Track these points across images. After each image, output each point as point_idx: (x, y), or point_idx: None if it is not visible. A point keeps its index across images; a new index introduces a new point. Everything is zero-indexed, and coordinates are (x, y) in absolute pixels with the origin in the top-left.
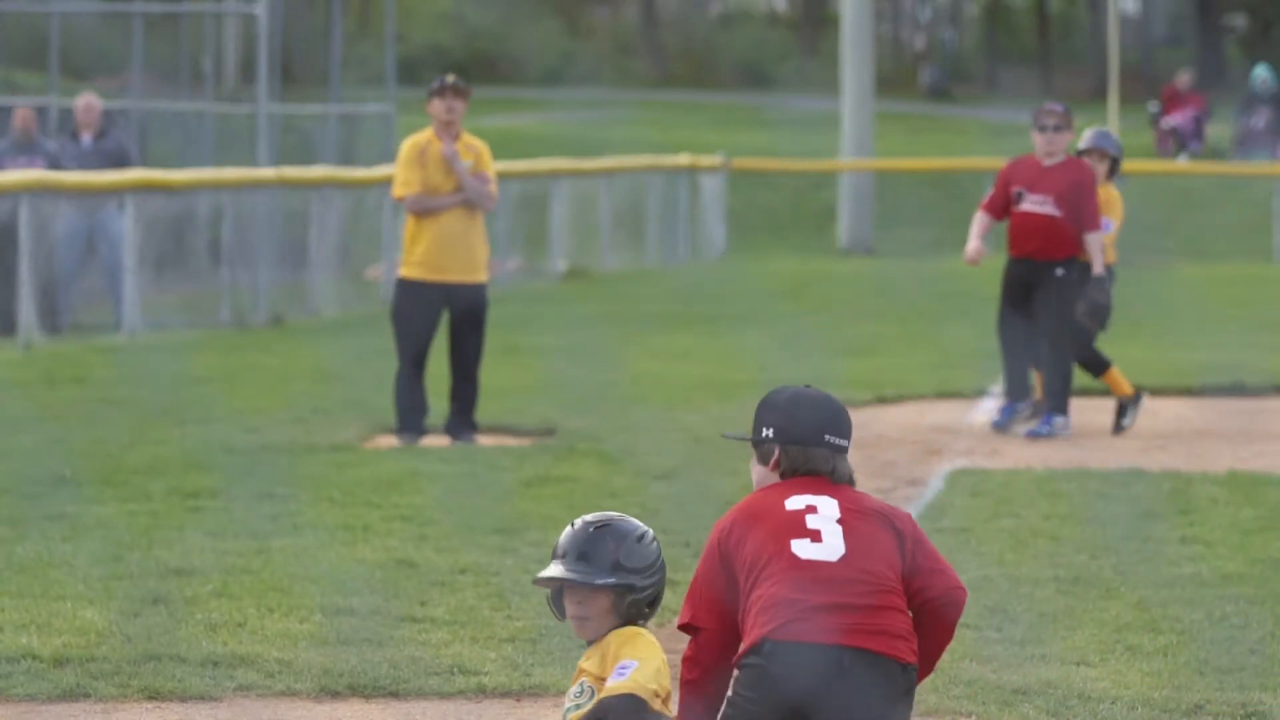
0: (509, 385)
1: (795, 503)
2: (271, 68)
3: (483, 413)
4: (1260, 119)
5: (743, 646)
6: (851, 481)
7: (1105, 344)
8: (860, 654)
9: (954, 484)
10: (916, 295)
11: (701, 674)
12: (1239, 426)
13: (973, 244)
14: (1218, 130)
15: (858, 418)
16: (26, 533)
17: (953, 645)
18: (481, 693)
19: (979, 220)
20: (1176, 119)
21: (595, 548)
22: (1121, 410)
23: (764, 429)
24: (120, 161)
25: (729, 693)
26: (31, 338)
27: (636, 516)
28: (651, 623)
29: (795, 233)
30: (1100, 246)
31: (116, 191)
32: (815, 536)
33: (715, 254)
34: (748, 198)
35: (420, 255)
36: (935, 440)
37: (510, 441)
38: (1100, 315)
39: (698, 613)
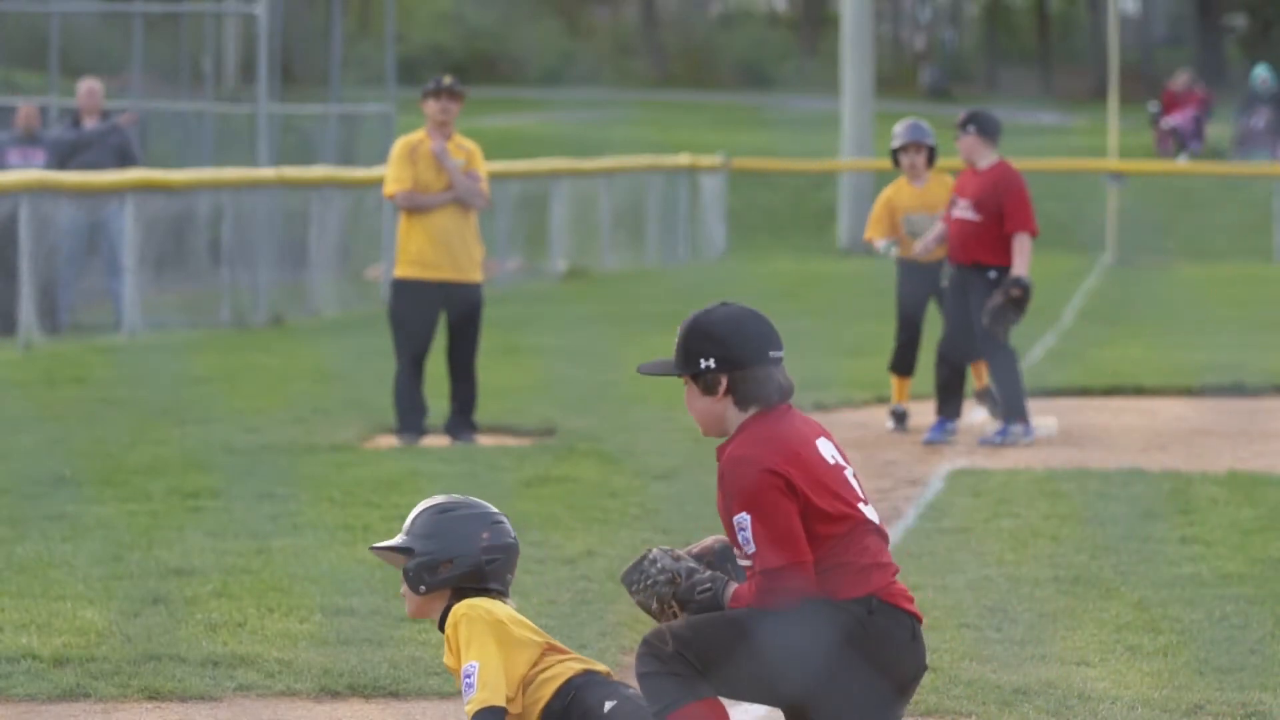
0: (509, 385)
1: (826, 453)
2: (271, 68)
3: (483, 413)
4: (1260, 119)
5: (838, 593)
6: (791, 392)
7: (1108, 343)
8: (918, 623)
9: (954, 484)
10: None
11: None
12: (1239, 426)
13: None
14: (1218, 130)
15: (857, 417)
16: (26, 533)
17: (953, 645)
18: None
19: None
20: (1176, 119)
21: (408, 521)
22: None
23: (702, 360)
24: (124, 153)
25: (815, 628)
26: (31, 338)
27: (636, 516)
28: None
29: (795, 233)
30: (1023, 250)
31: (117, 191)
32: (865, 499)
33: (715, 254)
34: (748, 198)
35: (414, 254)
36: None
37: (510, 441)
38: (1001, 320)
39: (800, 546)
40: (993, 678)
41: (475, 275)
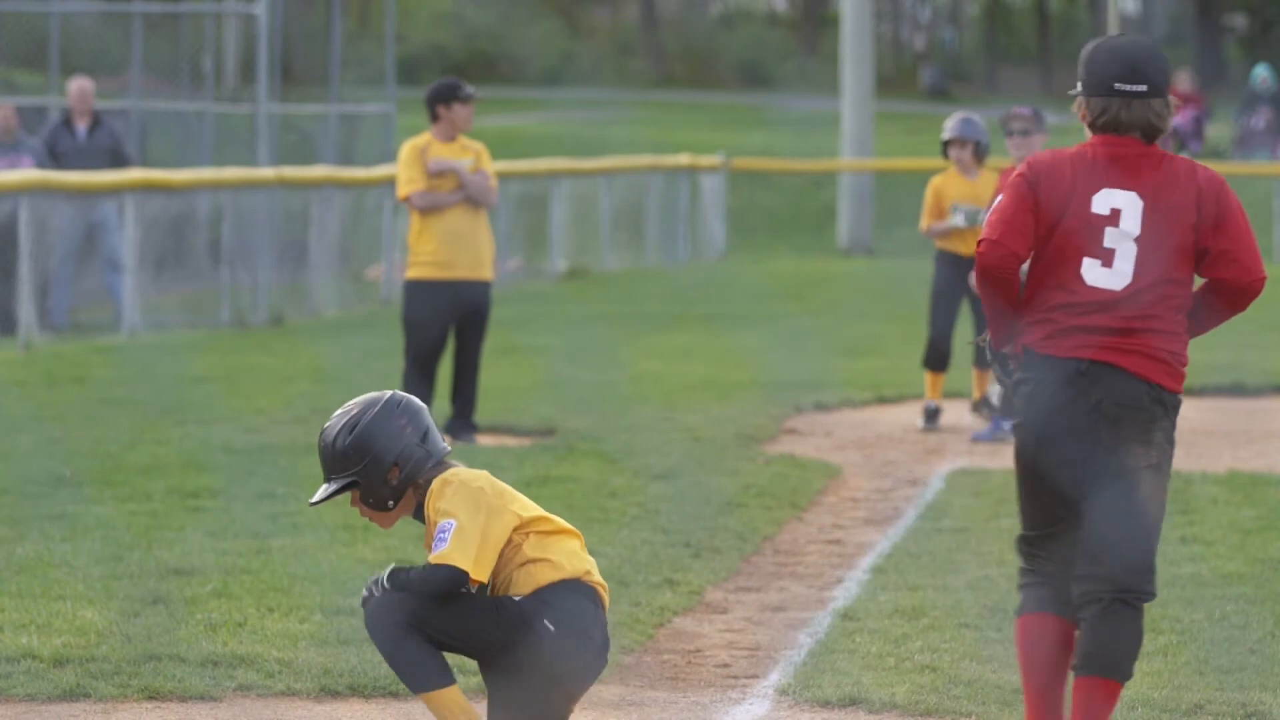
0: (509, 385)
1: (1100, 203)
2: (271, 68)
3: (483, 413)
4: (1260, 119)
5: (1017, 341)
6: (1158, 129)
7: None
8: (1103, 366)
9: (954, 484)
10: (916, 295)
11: (1009, 282)
12: (1239, 426)
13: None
14: (1218, 130)
15: (858, 417)
16: (26, 533)
17: (953, 645)
18: (481, 692)
19: None
20: (1176, 119)
21: (321, 461)
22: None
23: (1078, 83)
24: (116, 154)
25: (1017, 374)
26: (31, 338)
27: (636, 517)
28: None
29: (795, 233)
30: None
31: (116, 191)
32: (1107, 259)
33: (715, 254)
34: (748, 198)
35: (428, 254)
36: (935, 440)
37: (510, 441)
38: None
39: (1005, 230)
40: (993, 678)
41: (486, 273)
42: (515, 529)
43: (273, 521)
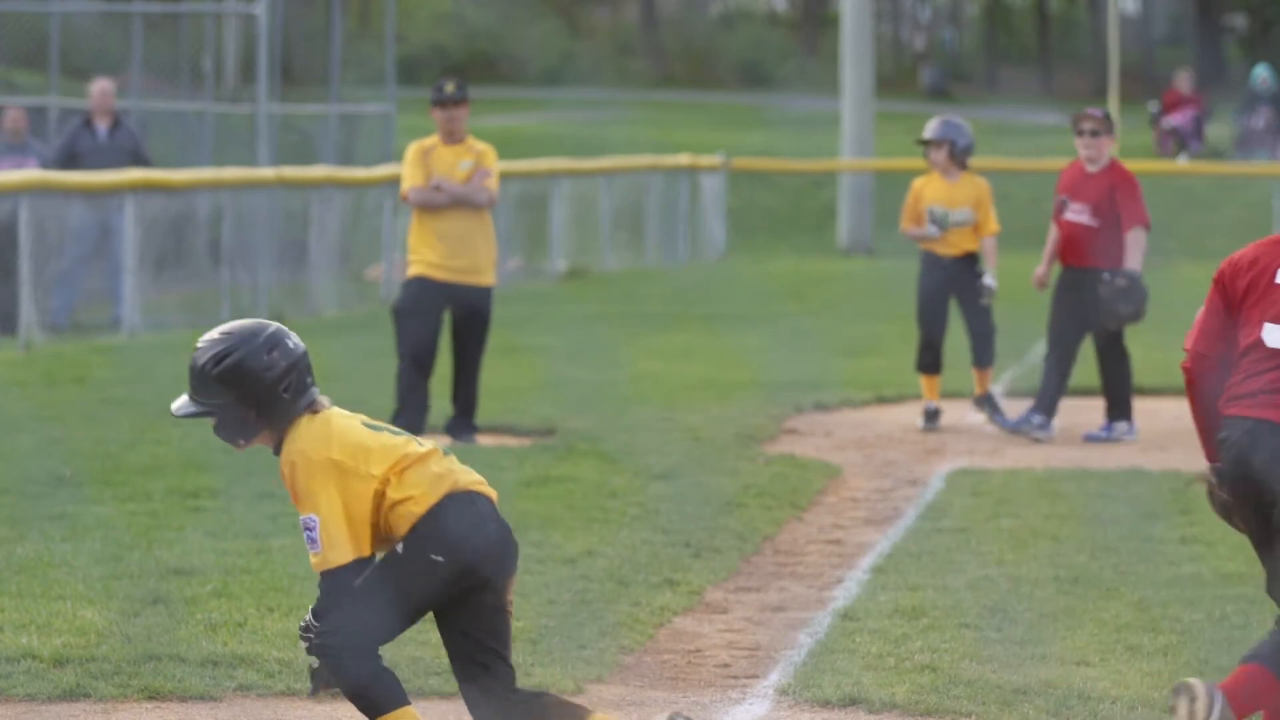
0: (509, 385)
1: None
2: (271, 68)
3: (483, 413)
4: (1260, 119)
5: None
6: None
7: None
8: (1263, 423)
9: (954, 484)
10: (916, 295)
11: (1204, 389)
12: None
13: (1039, 269)
14: (1218, 130)
15: (858, 417)
16: (26, 533)
17: (953, 645)
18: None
19: (1050, 237)
20: (1176, 119)
21: (189, 374)
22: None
23: None
24: (136, 155)
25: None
26: (31, 338)
27: (636, 517)
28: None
29: (795, 233)
30: (1136, 244)
31: (117, 191)
32: None
33: (715, 254)
34: (748, 198)
35: (424, 254)
36: (935, 440)
37: (510, 441)
38: (1111, 314)
39: (1199, 339)
40: (993, 678)
41: (486, 278)
42: (386, 480)
43: (273, 521)
